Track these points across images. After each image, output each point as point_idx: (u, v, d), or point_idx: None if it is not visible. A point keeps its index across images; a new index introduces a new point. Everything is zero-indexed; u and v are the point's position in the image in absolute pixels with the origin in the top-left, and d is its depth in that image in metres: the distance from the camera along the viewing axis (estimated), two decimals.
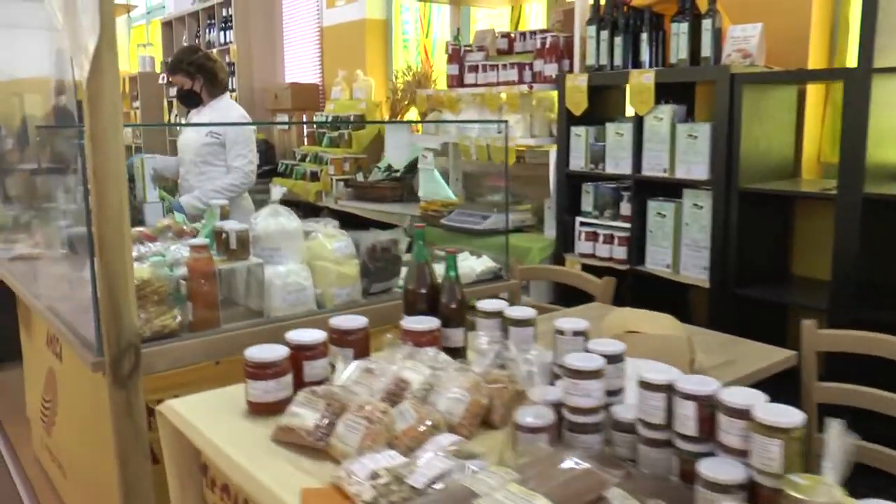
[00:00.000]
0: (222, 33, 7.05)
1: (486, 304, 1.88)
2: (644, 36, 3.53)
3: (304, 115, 6.62)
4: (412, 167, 5.36)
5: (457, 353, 1.83)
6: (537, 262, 3.88)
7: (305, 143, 6.63)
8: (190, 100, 4.10)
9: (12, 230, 3.88)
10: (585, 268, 3.72)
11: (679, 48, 3.34)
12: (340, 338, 1.78)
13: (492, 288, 2.87)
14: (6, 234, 3.88)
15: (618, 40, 3.61)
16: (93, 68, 1.84)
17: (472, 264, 2.97)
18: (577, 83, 3.78)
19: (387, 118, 6.08)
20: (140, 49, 9.61)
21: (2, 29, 4.34)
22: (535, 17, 5.19)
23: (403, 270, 2.70)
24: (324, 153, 5.93)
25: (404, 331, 1.77)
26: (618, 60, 3.63)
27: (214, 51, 7.22)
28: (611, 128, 3.65)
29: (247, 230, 2.43)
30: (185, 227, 3.08)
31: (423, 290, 1.94)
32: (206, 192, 3.85)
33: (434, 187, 4.77)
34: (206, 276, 2.25)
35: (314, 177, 5.79)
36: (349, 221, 5.17)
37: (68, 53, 1.94)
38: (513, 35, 4.49)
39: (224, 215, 2.83)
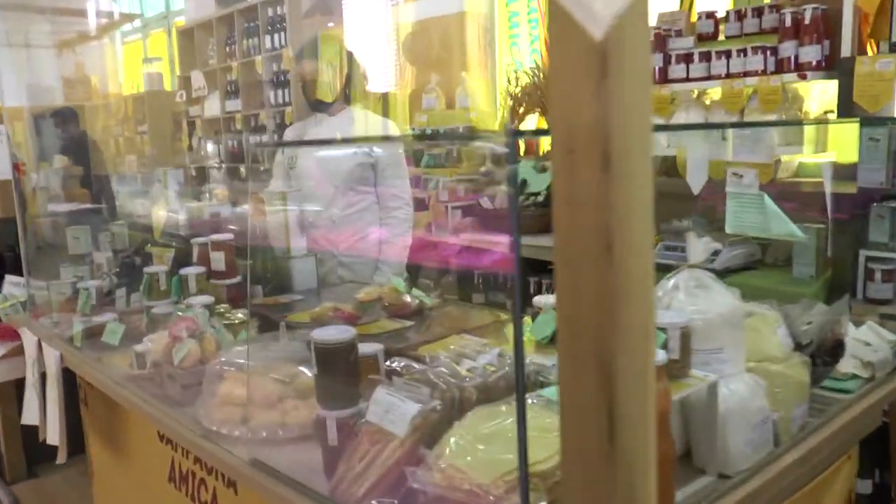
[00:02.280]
0: (270, 37, 5.90)
1: None
2: None
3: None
4: None
5: None
6: None
7: None
8: (318, 102, 2.98)
9: None
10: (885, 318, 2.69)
11: None
12: None
13: None
14: None
15: None
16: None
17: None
18: (878, 68, 2.76)
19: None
20: (146, 65, 8.37)
21: None
22: None
23: None
24: (428, 175, 4.82)
25: None
26: None
27: (257, 59, 6.08)
28: None
29: (687, 325, 1.33)
30: (406, 298, 1.99)
31: None
32: (396, 238, 2.78)
33: None
34: (662, 416, 1.17)
35: (420, 205, 4.67)
36: None
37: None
38: (723, 14, 3.46)
39: None
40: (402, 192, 2.98)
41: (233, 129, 6.46)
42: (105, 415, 2.47)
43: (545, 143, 5.10)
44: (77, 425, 2.63)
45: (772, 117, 3.06)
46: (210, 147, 6.95)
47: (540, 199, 4.36)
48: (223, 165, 6.43)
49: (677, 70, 3.38)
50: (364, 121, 3.02)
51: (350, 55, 2.97)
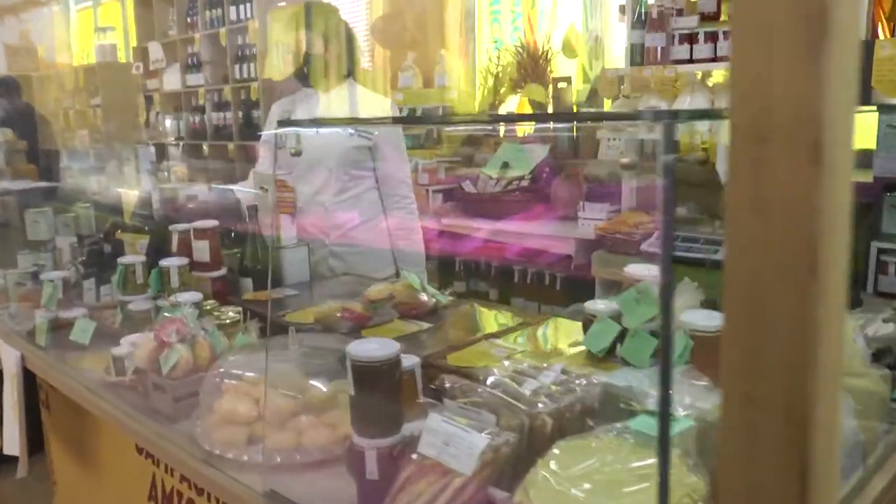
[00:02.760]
0: (234, 8, 5.56)
1: None
2: None
3: None
4: (543, 171, 4.14)
5: None
6: None
7: None
8: (304, 75, 2.74)
9: None
10: None
11: None
12: None
13: None
14: None
15: None
16: None
17: None
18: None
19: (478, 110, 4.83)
20: (98, 35, 7.89)
21: None
22: None
23: None
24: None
25: None
26: None
27: (221, 31, 5.73)
28: None
29: None
30: (423, 297, 1.81)
31: None
32: (412, 228, 2.59)
33: None
34: None
35: None
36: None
37: None
38: None
39: None
40: (407, 177, 2.77)
41: (195, 105, 6.11)
42: (71, 420, 2.21)
43: (525, 124, 4.92)
44: (36, 424, 2.37)
45: None
46: (168, 123, 6.58)
47: (524, 183, 4.18)
48: (183, 142, 6.08)
49: (680, 51, 3.23)
50: (362, 99, 2.79)
51: (348, 28, 2.74)
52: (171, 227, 2.14)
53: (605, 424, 1.02)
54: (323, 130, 2.76)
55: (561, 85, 4.40)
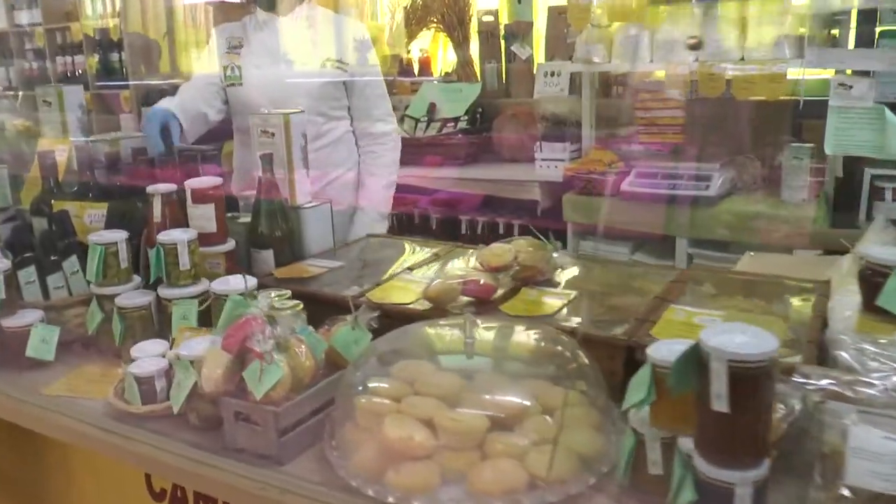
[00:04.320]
0: None
1: None
2: None
3: None
4: (476, 112, 3.80)
5: None
6: None
7: None
8: None
9: None
10: None
11: None
12: None
13: None
14: None
15: None
16: None
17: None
18: None
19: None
20: None
21: None
22: None
23: None
24: None
25: None
26: None
27: None
28: None
29: None
30: (555, 255, 1.52)
31: None
32: (382, 177, 2.16)
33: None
34: None
35: None
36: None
37: None
38: None
39: None
40: (387, 115, 2.32)
41: (31, 48, 5.07)
42: (13, 459, 1.62)
43: (445, 63, 4.53)
44: None
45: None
46: None
47: (461, 125, 3.81)
48: (19, 94, 5.04)
49: None
50: (326, 23, 2.28)
51: None
52: (151, 189, 1.57)
53: None
54: (286, 64, 2.24)
55: (486, 18, 4.03)
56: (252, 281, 1.31)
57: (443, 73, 4.41)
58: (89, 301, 1.55)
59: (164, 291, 1.46)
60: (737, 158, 3.10)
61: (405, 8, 4.32)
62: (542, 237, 1.45)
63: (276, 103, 2.18)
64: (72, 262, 1.62)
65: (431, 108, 4.00)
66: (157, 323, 1.48)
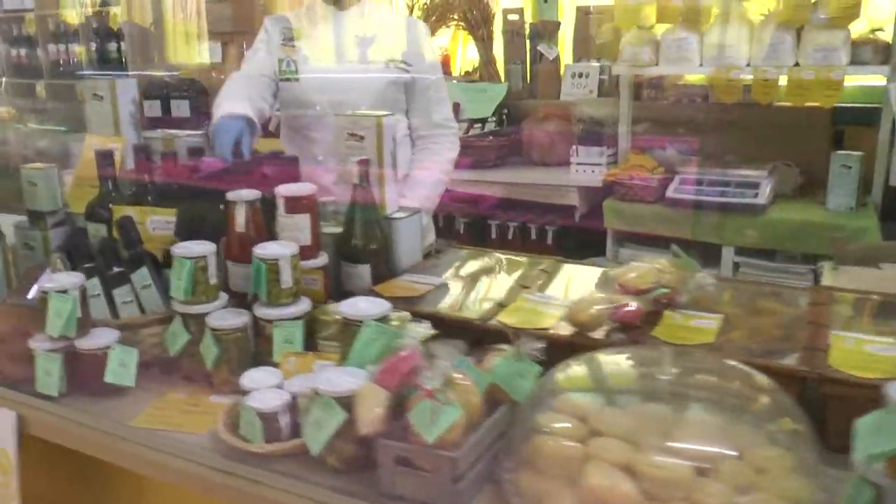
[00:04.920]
0: None
1: None
2: None
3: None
4: (502, 113, 3.69)
5: None
6: None
7: None
8: None
9: None
10: None
11: None
12: None
13: None
14: None
15: None
16: None
17: None
18: None
19: None
20: None
21: None
22: None
23: None
24: None
25: None
26: None
27: None
28: None
29: None
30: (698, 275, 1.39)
31: None
32: (431, 175, 2.06)
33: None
34: None
35: None
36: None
37: None
38: None
39: None
40: (448, 119, 2.19)
41: (21, 34, 4.79)
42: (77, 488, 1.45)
43: (464, 62, 4.40)
44: None
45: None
46: None
47: (489, 127, 3.69)
48: (3, 80, 4.77)
49: None
50: (390, 22, 2.14)
51: None
52: (232, 196, 1.41)
53: None
54: (347, 63, 2.09)
55: (511, 17, 3.90)
56: (381, 306, 1.15)
57: (463, 73, 4.28)
58: (167, 319, 1.39)
59: (262, 311, 1.30)
60: (777, 165, 3.03)
61: (424, 4, 4.18)
62: (684, 255, 1.32)
63: (333, 102, 2.03)
64: (142, 275, 1.45)
65: (455, 109, 3.86)
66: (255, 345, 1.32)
